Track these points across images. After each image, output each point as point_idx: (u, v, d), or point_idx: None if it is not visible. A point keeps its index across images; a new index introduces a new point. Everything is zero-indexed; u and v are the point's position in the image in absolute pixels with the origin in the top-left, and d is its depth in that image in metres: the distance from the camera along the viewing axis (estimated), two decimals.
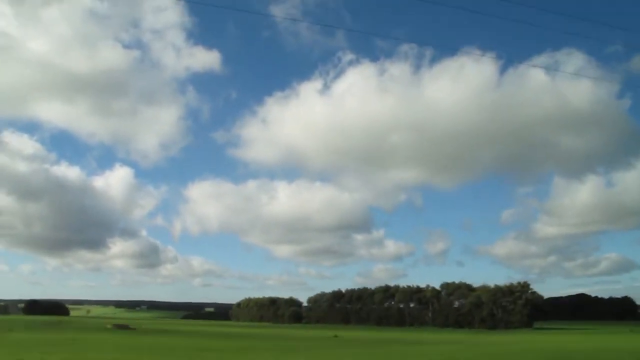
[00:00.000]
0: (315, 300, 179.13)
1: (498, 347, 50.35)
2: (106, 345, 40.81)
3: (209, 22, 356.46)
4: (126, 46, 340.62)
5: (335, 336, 75.20)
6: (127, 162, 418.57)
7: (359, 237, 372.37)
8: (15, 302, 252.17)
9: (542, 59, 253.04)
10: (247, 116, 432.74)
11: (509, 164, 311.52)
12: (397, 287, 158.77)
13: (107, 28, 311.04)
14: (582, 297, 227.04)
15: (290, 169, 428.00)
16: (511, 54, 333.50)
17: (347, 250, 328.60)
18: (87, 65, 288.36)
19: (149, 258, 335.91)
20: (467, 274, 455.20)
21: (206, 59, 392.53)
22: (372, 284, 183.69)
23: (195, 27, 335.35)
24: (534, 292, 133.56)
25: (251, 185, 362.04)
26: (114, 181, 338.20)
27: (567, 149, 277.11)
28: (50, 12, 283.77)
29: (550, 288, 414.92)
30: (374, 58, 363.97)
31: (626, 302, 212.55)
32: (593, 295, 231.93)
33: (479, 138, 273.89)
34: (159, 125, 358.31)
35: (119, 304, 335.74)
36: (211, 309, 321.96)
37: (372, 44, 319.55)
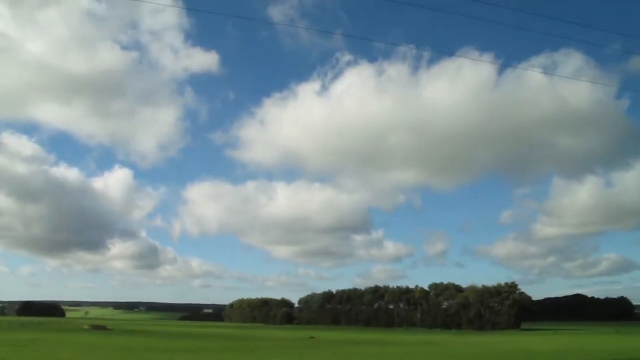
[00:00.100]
0: (306, 302, 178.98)
1: (466, 349, 50.21)
2: (63, 345, 41.20)
3: (207, 23, 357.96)
4: (124, 48, 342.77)
5: (312, 337, 75.12)
6: (126, 164, 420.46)
7: (358, 238, 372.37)
8: (14, 304, 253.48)
9: (541, 59, 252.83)
10: (246, 117, 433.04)
11: (507, 165, 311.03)
12: (386, 288, 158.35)
13: (106, 30, 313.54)
14: (579, 297, 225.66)
15: (289, 170, 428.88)
16: (509, 55, 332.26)
17: (347, 251, 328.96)
18: (86, 67, 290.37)
19: (149, 259, 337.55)
20: (467, 275, 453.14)
21: (204, 60, 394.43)
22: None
23: (194, 28, 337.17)
24: (522, 293, 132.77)
25: (250, 186, 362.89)
26: (114, 182, 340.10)
27: (566, 149, 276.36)
28: (48, 13, 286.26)
29: (550, 289, 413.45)
30: (372, 59, 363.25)
31: (623, 302, 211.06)
32: (590, 295, 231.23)
33: (477, 139, 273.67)
34: (157, 127, 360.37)
35: (117, 306, 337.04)
36: (210, 311, 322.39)
37: (370, 45, 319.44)
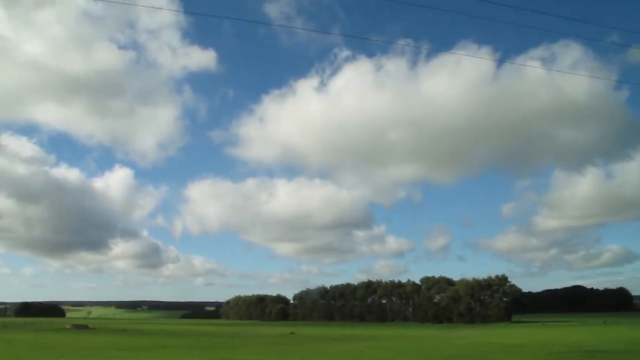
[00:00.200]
0: (300, 297, 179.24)
1: (438, 342, 50.03)
2: (24, 344, 41.45)
3: (204, 21, 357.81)
4: (121, 47, 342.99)
5: (292, 333, 75.32)
6: (125, 163, 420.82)
7: (360, 234, 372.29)
8: (15, 305, 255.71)
9: (539, 51, 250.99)
10: (244, 115, 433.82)
11: (507, 158, 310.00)
12: (379, 283, 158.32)
13: (102, 29, 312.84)
14: (578, 289, 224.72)
15: (289, 167, 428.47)
16: (507, 48, 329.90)
17: (348, 247, 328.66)
18: (83, 67, 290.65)
19: (151, 258, 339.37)
20: (469, 269, 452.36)
21: (202, 58, 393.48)
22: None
23: (191, 26, 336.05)
24: (512, 286, 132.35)
25: (250, 183, 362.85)
26: (114, 182, 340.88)
27: (566, 141, 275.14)
28: (44, 14, 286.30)
29: (552, 281, 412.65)
30: (370, 54, 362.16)
31: (621, 293, 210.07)
32: (589, 287, 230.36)
33: (477, 132, 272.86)
34: (156, 125, 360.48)
35: (120, 305, 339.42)
36: (212, 308, 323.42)
37: (367, 41, 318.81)
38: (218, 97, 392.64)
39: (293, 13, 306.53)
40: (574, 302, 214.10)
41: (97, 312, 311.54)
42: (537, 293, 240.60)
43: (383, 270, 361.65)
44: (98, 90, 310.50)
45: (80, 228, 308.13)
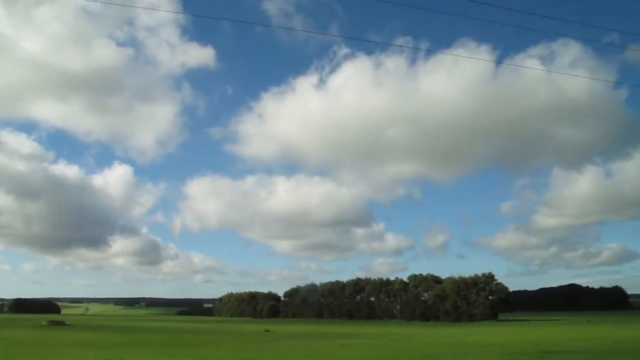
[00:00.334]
0: (290, 295, 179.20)
1: (404, 341, 49.82)
2: None
3: (203, 18, 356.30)
4: (120, 44, 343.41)
5: (267, 330, 75.21)
6: (124, 160, 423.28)
7: (359, 232, 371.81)
8: (10, 302, 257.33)
9: (538, 50, 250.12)
10: (243, 112, 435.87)
11: (506, 156, 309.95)
12: (367, 280, 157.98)
13: (101, 26, 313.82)
14: (573, 287, 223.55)
15: (288, 164, 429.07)
16: (506, 46, 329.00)
17: (348, 244, 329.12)
18: (82, 64, 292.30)
19: (150, 255, 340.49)
20: (468, 267, 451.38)
21: (200, 55, 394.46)
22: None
23: (189, 23, 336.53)
24: (499, 284, 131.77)
25: (249, 180, 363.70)
26: (113, 179, 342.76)
27: (565, 140, 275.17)
28: (42, 11, 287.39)
29: (551, 279, 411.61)
30: (369, 52, 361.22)
31: (617, 291, 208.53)
32: (588, 285, 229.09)
33: (476, 131, 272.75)
34: (155, 122, 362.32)
35: (118, 302, 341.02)
36: (210, 305, 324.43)
37: (367, 38, 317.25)
38: (217, 94, 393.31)
39: (292, 10, 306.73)
40: (569, 300, 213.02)
41: (95, 308, 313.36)
42: (533, 291, 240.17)
43: (382, 268, 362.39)
44: (97, 87, 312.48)
45: (80, 225, 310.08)
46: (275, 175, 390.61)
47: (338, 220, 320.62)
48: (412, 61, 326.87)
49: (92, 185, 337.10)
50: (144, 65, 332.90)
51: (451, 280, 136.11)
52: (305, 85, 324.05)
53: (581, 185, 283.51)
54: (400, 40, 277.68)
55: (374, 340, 52.14)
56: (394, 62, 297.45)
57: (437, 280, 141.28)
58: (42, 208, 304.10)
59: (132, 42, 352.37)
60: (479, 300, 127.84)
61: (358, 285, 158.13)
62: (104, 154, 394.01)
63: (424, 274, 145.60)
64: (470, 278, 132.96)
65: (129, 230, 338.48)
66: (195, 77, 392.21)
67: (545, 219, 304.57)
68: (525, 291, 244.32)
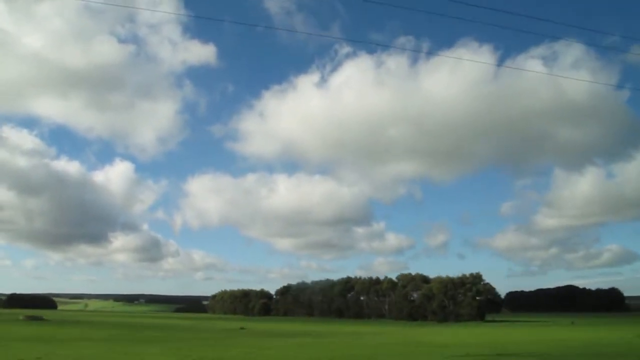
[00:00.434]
0: (282, 293, 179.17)
1: (362, 340, 49.72)
2: None
3: (205, 16, 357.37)
4: (122, 40, 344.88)
5: (242, 328, 75.28)
6: (125, 157, 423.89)
7: (359, 230, 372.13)
8: (5, 297, 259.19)
9: (540, 50, 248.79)
10: (245, 110, 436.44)
11: (507, 157, 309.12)
12: (357, 279, 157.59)
13: (102, 23, 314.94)
14: (570, 288, 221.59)
15: (289, 163, 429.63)
16: (508, 46, 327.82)
17: (348, 243, 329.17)
18: (83, 60, 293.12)
19: (151, 252, 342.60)
20: (468, 267, 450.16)
21: (202, 52, 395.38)
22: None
23: (191, 21, 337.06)
24: (487, 284, 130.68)
25: (250, 178, 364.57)
26: (114, 175, 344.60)
27: (566, 141, 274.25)
28: (44, 7, 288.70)
29: (552, 280, 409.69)
30: (371, 50, 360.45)
31: (613, 293, 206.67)
32: (588, 286, 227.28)
33: (477, 130, 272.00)
34: (156, 120, 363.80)
35: (117, 298, 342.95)
36: (208, 302, 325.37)
37: (368, 37, 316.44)
38: (218, 91, 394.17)
39: (293, 9, 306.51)
40: (566, 301, 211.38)
41: (94, 304, 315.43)
42: (530, 292, 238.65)
43: (382, 267, 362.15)
44: (98, 83, 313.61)
45: (81, 221, 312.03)
46: (276, 173, 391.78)
47: (339, 219, 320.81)
48: (414, 60, 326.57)
49: (93, 181, 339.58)
50: (145, 62, 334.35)
51: (439, 280, 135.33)
52: (306, 83, 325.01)
53: (582, 186, 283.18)
54: (401, 40, 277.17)
55: (331, 339, 52.02)
56: (395, 62, 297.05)
57: (425, 280, 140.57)
58: (44, 204, 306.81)
59: (134, 39, 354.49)
60: (466, 300, 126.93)
61: (348, 284, 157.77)
62: (105, 151, 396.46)
63: (413, 273, 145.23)
64: (458, 278, 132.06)
65: (129, 226, 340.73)
66: (197, 75, 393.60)
67: (546, 220, 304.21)
68: (522, 292, 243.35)
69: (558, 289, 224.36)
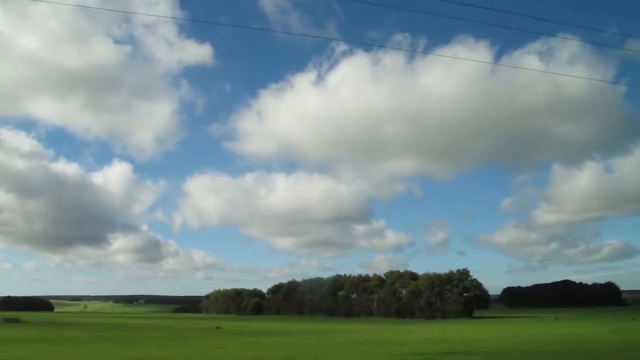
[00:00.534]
0: (273, 292, 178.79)
1: (330, 339, 49.14)
2: None
3: (201, 16, 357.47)
4: (118, 41, 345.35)
5: (218, 328, 74.93)
6: (124, 158, 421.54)
7: (359, 229, 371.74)
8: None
9: (537, 46, 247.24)
10: (242, 109, 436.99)
11: (506, 153, 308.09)
12: (346, 277, 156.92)
13: (98, 24, 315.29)
14: (566, 283, 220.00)
15: (288, 162, 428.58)
16: (505, 42, 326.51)
17: (348, 241, 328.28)
18: (79, 62, 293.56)
19: (151, 253, 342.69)
20: (469, 263, 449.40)
21: (198, 52, 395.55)
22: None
23: (187, 21, 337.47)
24: (474, 281, 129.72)
25: (249, 178, 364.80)
26: (113, 177, 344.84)
27: (565, 136, 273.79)
28: (40, 8, 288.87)
29: (552, 275, 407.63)
30: (368, 48, 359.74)
31: (609, 288, 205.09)
32: (586, 282, 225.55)
33: (475, 127, 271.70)
34: (154, 120, 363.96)
35: (117, 299, 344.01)
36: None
37: (365, 34, 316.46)
38: (215, 91, 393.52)
39: (289, 7, 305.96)
40: (564, 296, 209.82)
41: (94, 306, 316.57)
42: (528, 288, 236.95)
43: (382, 265, 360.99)
44: (95, 85, 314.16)
45: (80, 223, 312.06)
46: (275, 172, 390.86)
47: (338, 217, 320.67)
48: (411, 58, 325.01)
49: (92, 183, 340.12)
50: (142, 63, 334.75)
51: (426, 277, 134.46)
52: (303, 82, 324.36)
53: (581, 182, 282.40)
54: (398, 37, 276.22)
55: (297, 338, 51.45)
56: (392, 59, 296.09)
57: (414, 277, 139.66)
58: (43, 206, 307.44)
59: (130, 40, 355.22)
60: (453, 297, 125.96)
61: (338, 283, 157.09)
62: (103, 152, 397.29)
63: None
64: (445, 275, 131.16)
65: (129, 227, 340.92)
66: (194, 75, 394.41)
67: (546, 216, 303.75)
68: (519, 288, 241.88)
69: (555, 284, 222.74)
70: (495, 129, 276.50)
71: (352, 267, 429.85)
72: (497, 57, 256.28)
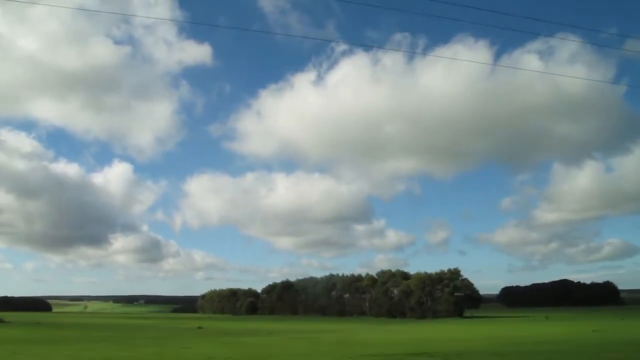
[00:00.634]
0: (267, 291, 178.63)
1: (298, 339, 48.94)
2: None
3: (200, 16, 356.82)
4: (117, 42, 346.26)
5: (199, 327, 74.78)
6: (124, 158, 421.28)
7: (360, 228, 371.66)
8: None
9: (536, 45, 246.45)
10: (242, 109, 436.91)
11: (506, 152, 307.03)
12: (339, 276, 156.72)
13: (97, 24, 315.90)
14: (564, 283, 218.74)
15: (288, 161, 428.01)
16: (505, 41, 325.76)
17: (348, 241, 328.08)
18: (79, 62, 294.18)
19: (151, 253, 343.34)
20: (469, 263, 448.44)
21: (197, 52, 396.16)
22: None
23: (186, 20, 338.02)
24: (465, 280, 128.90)
25: (249, 178, 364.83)
26: (113, 177, 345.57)
27: (565, 135, 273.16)
28: (38, 9, 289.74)
29: (552, 274, 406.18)
30: (367, 48, 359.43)
31: (607, 287, 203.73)
32: (581, 280, 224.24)
33: (475, 126, 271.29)
34: (153, 120, 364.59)
35: (117, 299, 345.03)
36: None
37: (364, 34, 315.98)
38: (215, 91, 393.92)
39: (288, 7, 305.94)
40: (562, 296, 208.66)
41: (94, 306, 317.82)
42: (526, 287, 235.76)
43: (383, 264, 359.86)
44: (94, 85, 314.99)
45: (80, 223, 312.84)
46: (275, 172, 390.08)
47: (338, 216, 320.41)
48: (410, 57, 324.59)
49: (92, 183, 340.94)
50: (141, 63, 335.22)
51: (417, 276, 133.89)
52: (303, 82, 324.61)
53: (581, 181, 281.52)
54: (397, 37, 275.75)
55: (272, 338, 51.27)
56: (392, 58, 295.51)
57: (405, 276, 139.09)
58: (43, 206, 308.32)
59: (129, 40, 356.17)
60: (443, 296, 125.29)
61: (330, 282, 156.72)
62: (103, 152, 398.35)
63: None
64: (436, 274, 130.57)
65: (129, 228, 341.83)
66: (193, 75, 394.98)
67: (546, 215, 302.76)
68: (517, 287, 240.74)
69: (553, 283, 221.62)
70: (495, 128, 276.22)
71: (352, 266, 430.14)
72: (497, 56, 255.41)
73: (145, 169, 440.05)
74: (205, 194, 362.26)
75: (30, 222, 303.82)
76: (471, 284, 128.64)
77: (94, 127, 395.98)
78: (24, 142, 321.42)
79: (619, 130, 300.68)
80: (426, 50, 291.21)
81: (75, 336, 48.64)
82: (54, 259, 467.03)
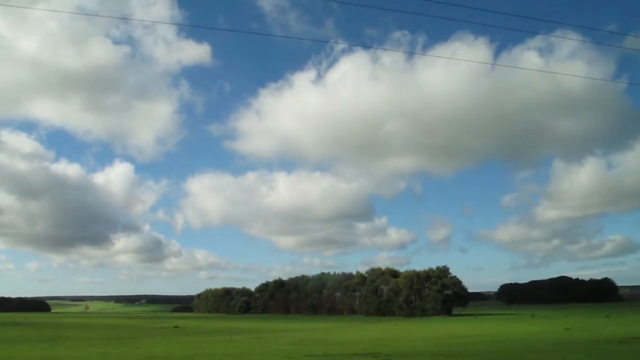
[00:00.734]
0: (260, 290, 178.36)
1: (270, 339, 48.62)
2: None
3: (199, 15, 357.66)
4: (116, 42, 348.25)
5: (176, 327, 74.62)
6: (124, 158, 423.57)
7: (361, 226, 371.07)
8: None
9: (536, 41, 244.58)
10: (242, 108, 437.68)
11: (507, 149, 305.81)
12: (329, 275, 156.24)
13: (97, 25, 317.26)
14: (562, 279, 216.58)
15: (288, 160, 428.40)
16: (504, 38, 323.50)
17: (350, 239, 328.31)
18: (78, 63, 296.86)
19: (153, 252, 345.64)
20: (470, 259, 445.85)
21: (196, 52, 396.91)
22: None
23: (186, 20, 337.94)
24: (453, 277, 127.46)
25: (250, 177, 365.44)
26: (114, 177, 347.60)
27: (565, 132, 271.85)
28: (38, 10, 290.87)
29: (555, 271, 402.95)
30: (367, 46, 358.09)
31: (606, 283, 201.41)
32: (579, 277, 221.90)
33: (475, 124, 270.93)
34: (153, 120, 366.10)
35: (118, 299, 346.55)
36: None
37: (363, 32, 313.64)
38: (214, 91, 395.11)
39: (287, 6, 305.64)
40: (561, 292, 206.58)
41: (95, 306, 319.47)
42: (525, 284, 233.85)
43: (385, 262, 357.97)
44: (94, 85, 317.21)
45: (82, 223, 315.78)
46: (276, 171, 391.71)
47: (339, 215, 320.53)
48: (410, 55, 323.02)
49: (93, 183, 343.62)
50: (140, 63, 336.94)
51: (405, 274, 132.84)
52: (302, 80, 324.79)
53: (582, 177, 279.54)
54: (397, 34, 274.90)
55: (240, 337, 50.89)
56: (391, 56, 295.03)
57: (394, 274, 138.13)
58: (45, 207, 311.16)
59: (129, 40, 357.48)
60: (431, 294, 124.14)
61: (321, 281, 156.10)
62: (104, 153, 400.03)
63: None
64: (424, 272, 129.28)
65: (131, 227, 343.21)
66: (192, 74, 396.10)
67: (547, 212, 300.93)
68: (516, 284, 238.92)
69: (551, 280, 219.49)
70: (495, 125, 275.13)
71: (354, 264, 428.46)
72: (497, 53, 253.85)
73: (146, 169, 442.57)
74: (207, 194, 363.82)
75: (32, 223, 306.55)
76: (460, 282, 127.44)
77: (95, 127, 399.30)
78: (25, 143, 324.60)
79: (620, 127, 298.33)
80: (426, 47, 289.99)
81: (44, 336, 48.37)
82: (56, 260, 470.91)
